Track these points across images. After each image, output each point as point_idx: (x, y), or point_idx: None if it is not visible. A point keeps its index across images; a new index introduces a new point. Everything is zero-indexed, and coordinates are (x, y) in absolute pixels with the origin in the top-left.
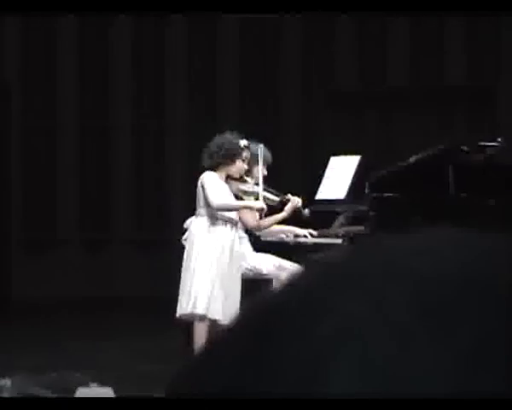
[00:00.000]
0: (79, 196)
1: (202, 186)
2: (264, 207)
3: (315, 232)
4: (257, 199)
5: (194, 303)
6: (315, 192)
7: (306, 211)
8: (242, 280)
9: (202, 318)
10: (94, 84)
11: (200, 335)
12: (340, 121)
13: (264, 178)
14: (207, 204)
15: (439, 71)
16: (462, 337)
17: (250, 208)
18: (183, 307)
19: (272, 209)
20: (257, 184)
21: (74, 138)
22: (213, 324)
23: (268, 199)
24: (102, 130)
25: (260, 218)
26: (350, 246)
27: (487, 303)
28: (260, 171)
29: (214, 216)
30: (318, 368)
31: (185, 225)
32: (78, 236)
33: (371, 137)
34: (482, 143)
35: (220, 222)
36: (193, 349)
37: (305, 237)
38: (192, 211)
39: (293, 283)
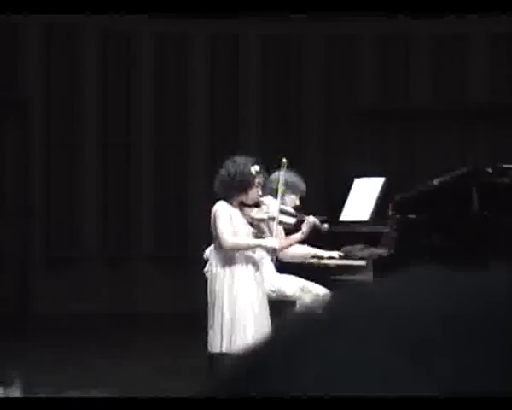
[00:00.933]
0: (101, 212)
1: (215, 219)
2: (277, 246)
3: (337, 254)
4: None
5: (230, 344)
6: (339, 213)
7: (325, 226)
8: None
9: None
10: (116, 100)
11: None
12: (362, 140)
13: (297, 208)
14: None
15: (462, 88)
16: (442, 370)
17: (262, 246)
18: (217, 346)
19: (291, 231)
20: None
21: (96, 155)
22: None
23: (284, 223)
24: (124, 146)
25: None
26: (332, 295)
27: (465, 338)
28: (279, 198)
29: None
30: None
31: (205, 256)
32: (100, 253)
33: (394, 155)
34: (506, 166)
35: (238, 256)
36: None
37: (331, 258)
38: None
39: (275, 334)
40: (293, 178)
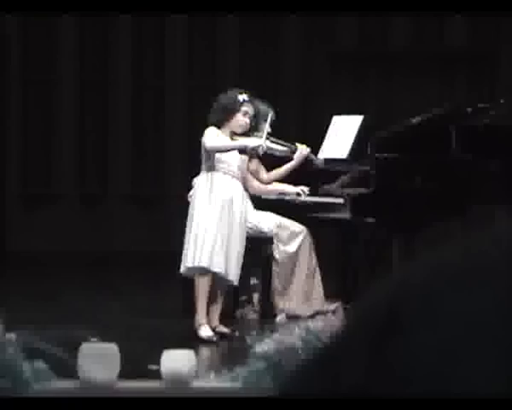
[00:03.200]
0: (78, 149)
1: (203, 142)
2: (263, 143)
3: (306, 189)
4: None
5: (199, 258)
6: (316, 151)
7: (321, 159)
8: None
9: (204, 271)
10: (94, 36)
11: (203, 290)
12: (340, 82)
13: (269, 134)
14: (206, 156)
15: (439, 32)
16: None
17: (245, 147)
18: (187, 262)
19: (283, 161)
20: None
21: (73, 91)
22: (215, 278)
23: (275, 150)
24: (101, 83)
25: (267, 170)
26: (459, 244)
27: None
28: (266, 128)
29: (213, 169)
30: (450, 368)
31: (193, 183)
32: (78, 190)
33: (372, 98)
34: (484, 105)
35: (220, 176)
36: (195, 305)
37: (298, 194)
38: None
39: (408, 281)
40: (261, 105)
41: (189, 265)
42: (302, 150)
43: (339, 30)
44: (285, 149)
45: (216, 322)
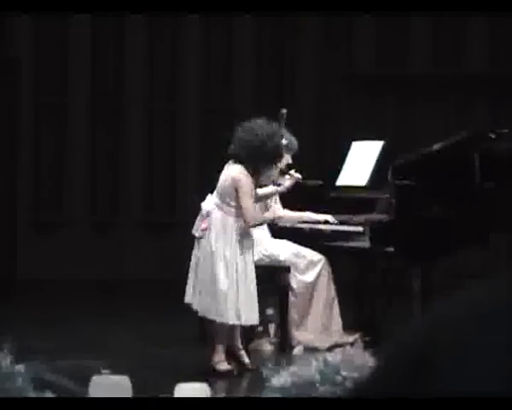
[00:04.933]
0: (90, 176)
1: (237, 189)
2: (282, 215)
3: (332, 219)
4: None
5: (224, 313)
6: (334, 177)
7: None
8: (259, 267)
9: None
10: (108, 58)
11: (222, 330)
12: (358, 106)
13: (289, 166)
14: (238, 209)
15: (461, 56)
16: None
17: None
18: (210, 312)
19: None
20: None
21: (85, 116)
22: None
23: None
24: (114, 108)
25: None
26: (489, 281)
27: None
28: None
29: (236, 216)
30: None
31: (203, 205)
32: (89, 217)
33: (391, 123)
34: (507, 130)
35: (241, 227)
36: (213, 343)
37: (327, 222)
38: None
39: (441, 320)
40: (286, 135)
41: (215, 319)
42: (292, 178)
43: (356, 52)
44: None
45: (239, 345)
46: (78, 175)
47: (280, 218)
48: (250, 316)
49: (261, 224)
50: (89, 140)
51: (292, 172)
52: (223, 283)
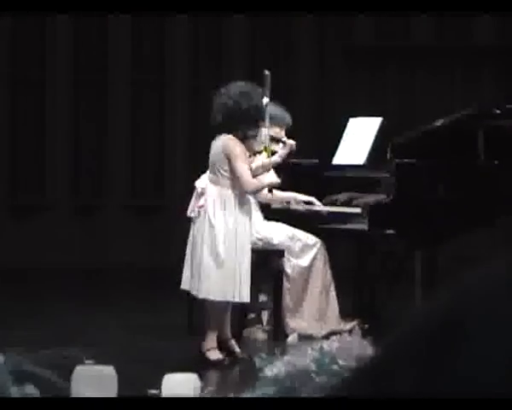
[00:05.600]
0: (72, 156)
1: (228, 156)
2: (279, 181)
3: (317, 202)
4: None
5: (217, 291)
6: (331, 156)
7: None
8: (252, 251)
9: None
10: (90, 39)
11: (214, 312)
12: (357, 79)
13: (282, 142)
14: (233, 179)
15: (466, 26)
16: None
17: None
18: (203, 292)
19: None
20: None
21: (67, 93)
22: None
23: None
24: (98, 83)
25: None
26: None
27: None
28: (266, 128)
29: (231, 187)
30: None
31: (197, 185)
32: (71, 200)
33: (392, 96)
34: None
35: (238, 197)
36: (204, 326)
37: (310, 203)
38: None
39: (467, 291)
40: (277, 110)
41: (209, 298)
42: (288, 143)
43: (355, 22)
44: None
45: (228, 335)
46: (59, 155)
47: (265, 197)
48: (243, 293)
49: (260, 190)
50: (71, 118)
51: (285, 138)
52: (224, 258)
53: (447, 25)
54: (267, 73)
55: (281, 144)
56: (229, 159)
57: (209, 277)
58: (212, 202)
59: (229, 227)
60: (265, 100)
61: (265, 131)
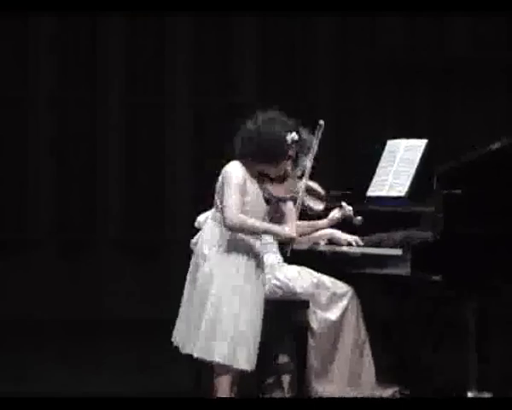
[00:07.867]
0: (59, 189)
1: (223, 183)
2: (295, 236)
3: (359, 241)
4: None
5: (216, 351)
6: (361, 187)
7: (359, 218)
8: (269, 301)
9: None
10: (79, 64)
11: (224, 386)
12: (383, 97)
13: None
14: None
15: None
16: None
17: (276, 235)
18: (201, 350)
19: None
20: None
21: (50, 115)
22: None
23: (309, 208)
24: (88, 105)
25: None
26: None
27: None
28: (307, 175)
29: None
30: None
31: (197, 223)
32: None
33: (422, 119)
34: None
35: (241, 241)
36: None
37: (349, 244)
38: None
39: None
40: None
41: (206, 359)
42: (344, 209)
43: (380, 31)
44: (321, 207)
45: None
46: (44, 187)
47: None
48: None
49: (243, 231)
50: (57, 143)
51: (344, 203)
52: (220, 313)
53: (485, 32)
54: (321, 122)
55: (308, 196)
56: (223, 185)
57: (201, 333)
58: (204, 242)
59: (224, 271)
60: (315, 146)
61: (309, 165)
